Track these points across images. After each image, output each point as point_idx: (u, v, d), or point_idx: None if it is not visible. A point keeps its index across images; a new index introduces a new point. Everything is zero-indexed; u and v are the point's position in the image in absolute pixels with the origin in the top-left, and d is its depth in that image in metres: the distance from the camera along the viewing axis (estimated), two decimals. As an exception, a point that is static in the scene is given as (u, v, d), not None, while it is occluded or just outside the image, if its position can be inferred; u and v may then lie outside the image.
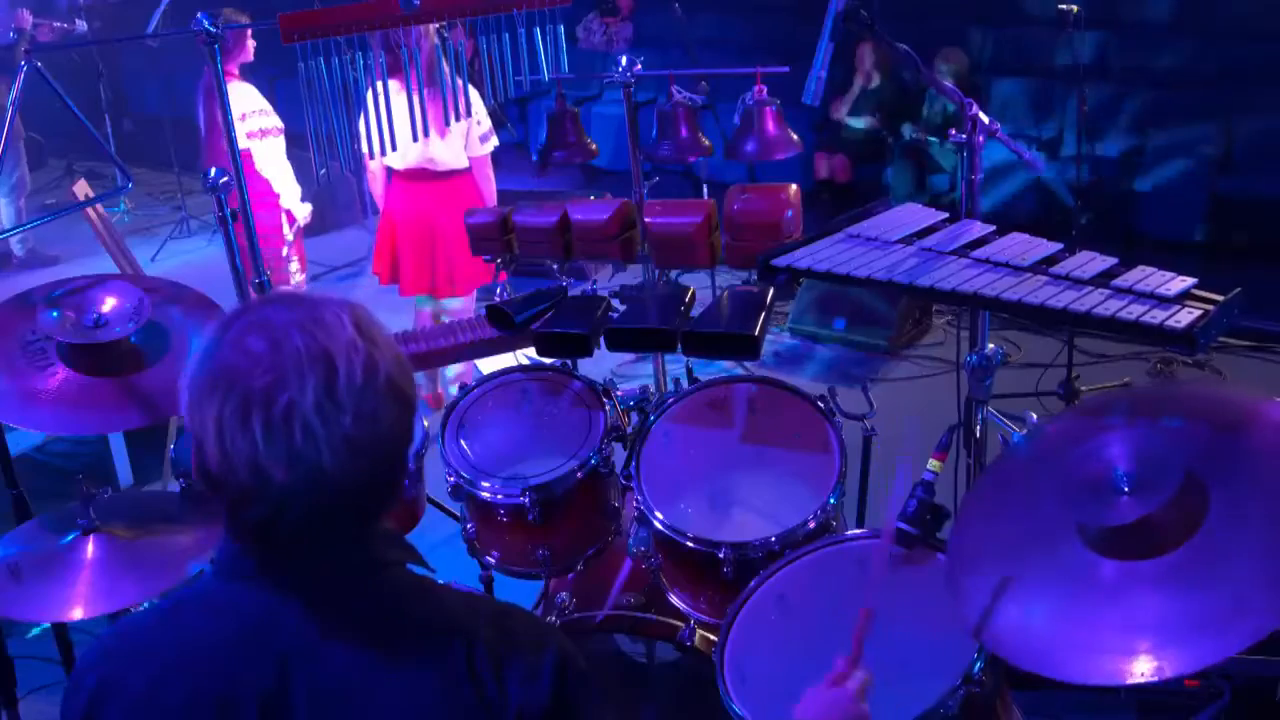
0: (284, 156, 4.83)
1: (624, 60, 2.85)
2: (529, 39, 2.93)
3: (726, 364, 4.65)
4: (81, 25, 8.02)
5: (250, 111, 4.71)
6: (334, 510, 1.13)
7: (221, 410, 1.09)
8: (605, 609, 2.51)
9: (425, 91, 3.14)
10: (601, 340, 2.61)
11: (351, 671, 1.15)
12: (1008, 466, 1.78)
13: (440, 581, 1.24)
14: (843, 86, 7.01)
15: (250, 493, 1.11)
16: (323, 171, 3.06)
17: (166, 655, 1.17)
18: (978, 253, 2.10)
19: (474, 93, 4.13)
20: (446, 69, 3.20)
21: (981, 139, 2.25)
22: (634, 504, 2.37)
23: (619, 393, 2.68)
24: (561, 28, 2.97)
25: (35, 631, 3.32)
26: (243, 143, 4.65)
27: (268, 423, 1.08)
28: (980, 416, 2.33)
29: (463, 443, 2.59)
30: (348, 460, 1.10)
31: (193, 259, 7.70)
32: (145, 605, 2.17)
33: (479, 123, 4.50)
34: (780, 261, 2.20)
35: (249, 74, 4.94)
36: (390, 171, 4.62)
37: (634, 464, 2.39)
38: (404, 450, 1.19)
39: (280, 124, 4.82)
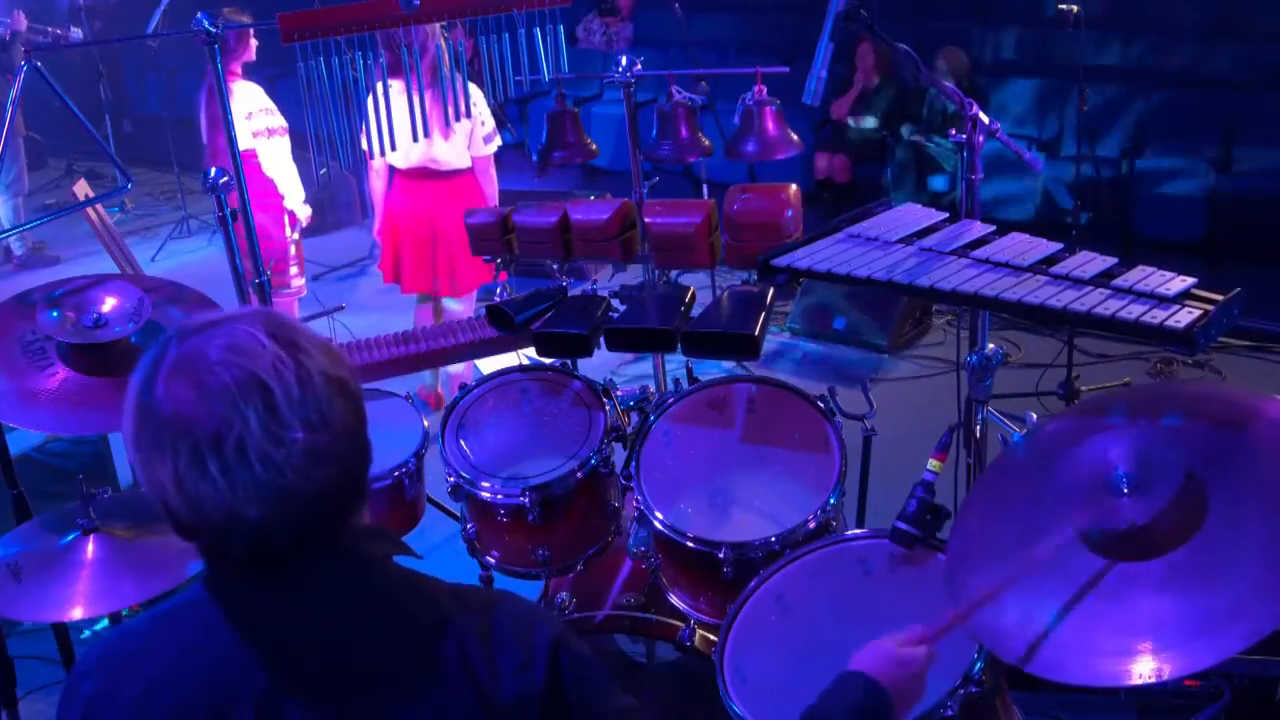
0: (289, 156, 4.83)
1: (624, 60, 2.85)
2: (529, 39, 2.93)
3: (726, 364, 4.65)
4: (76, 34, 8.01)
5: (256, 110, 4.72)
6: (314, 521, 1.13)
7: (176, 466, 1.08)
8: (605, 609, 2.51)
9: (428, 92, 3.14)
10: (601, 340, 2.61)
11: (345, 676, 1.15)
12: (1008, 466, 1.78)
13: (428, 575, 1.24)
14: (843, 86, 7.01)
15: (228, 534, 1.11)
16: (323, 171, 3.06)
17: (161, 662, 1.16)
18: (978, 253, 2.10)
19: (478, 93, 4.13)
20: (448, 69, 3.20)
21: (981, 139, 2.25)
22: (634, 504, 2.37)
23: (619, 393, 2.68)
24: (561, 28, 2.97)
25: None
26: (248, 142, 4.66)
27: (225, 466, 1.07)
28: (980, 416, 2.33)
29: (463, 443, 2.59)
30: (313, 470, 1.10)
31: (193, 259, 7.70)
32: (141, 610, 2.17)
33: (483, 123, 4.50)
34: (780, 261, 2.20)
35: (250, 73, 4.94)
36: (392, 171, 4.62)
37: (634, 464, 2.39)
38: (363, 436, 1.17)
39: (285, 124, 4.82)
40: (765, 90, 2.74)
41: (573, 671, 1.20)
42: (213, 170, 2.63)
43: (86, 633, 3.22)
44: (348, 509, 1.17)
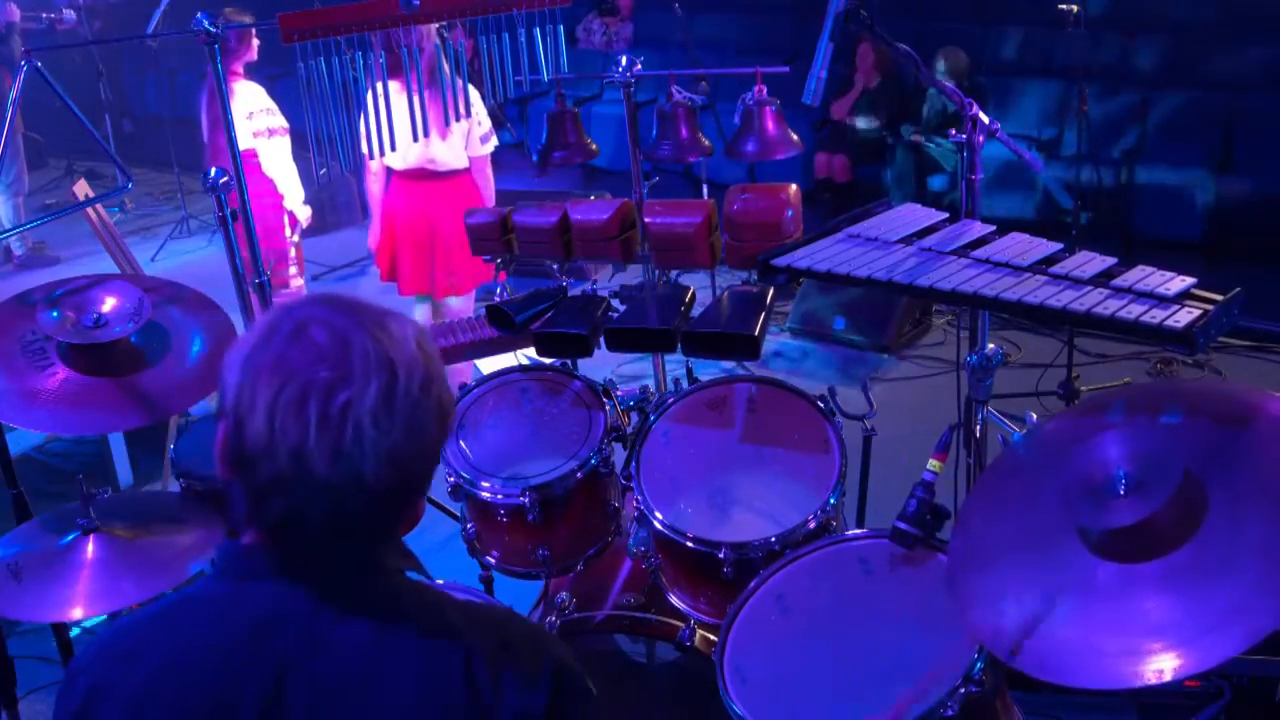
0: (290, 157, 4.83)
1: (624, 60, 2.85)
2: (529, 39, 2.93)
3: (726, 364, 4.65)
4: (70, 15, 8.00)
5: (257, 110, 4.72)
6: (357, 516, 1.14)
7: (278, 393, 1.09)
8: (605, 609, 2.51)
9: (426, 92, 3.14)
10: (601, 340, 2.61)
11: (350, 678, 1.15)
12: (1008, 466, 1.78)
13: (439, 588, 1.25)
14: (843, 86, 7.01)
15: (283, 481, 1.11)
16: (323, 171, 3.06)
17: (162, 656, 1.16)
18: (978, 253, 2.10)
19: (474, 93, 4.13)
20: (447, 69, 3.19)
21: (981, 139, 2.25)
22: (634, 504, 2.37)
23: (619, 393, 2.68)
24: (561, 28, 2.97)
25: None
26: (249, 142, 4.66)
27: (324, 415, 1.09)
28: (980, 416, 2.33)
29: (462, 443, 2.59)
30: (387, 470, 1.12)
31: (193, 259, 7.70)
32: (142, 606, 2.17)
33: (480, 123, 4.50)
34: (780, 261, 2.20)
35: (251, 73, 4.94)
36: (390, 171, 4.62)
37: (634, 464, 2.39)
38: (434, 468, 1.20)
39: (286, 124, 4.82)
40: (765, 90, 2.74)
41: (573, 700, 1.21)
42: (213, 170, 2.63)
43: (76, 630, 3.22)
44: (386, 523, 1.19)
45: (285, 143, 4.80)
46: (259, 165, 4.74)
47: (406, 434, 1.12)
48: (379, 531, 1.19)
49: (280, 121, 4.80)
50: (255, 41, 4.87)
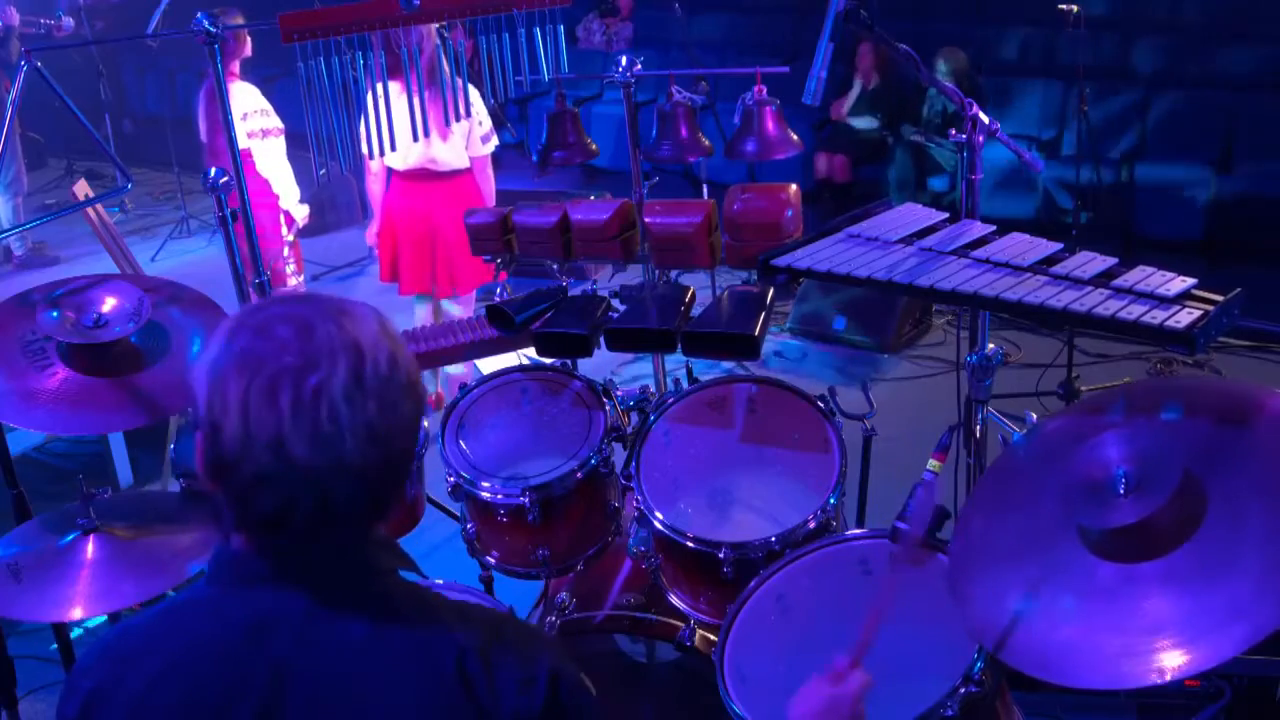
0: (284, 157, 4.83)
1: (624, 60, 2.85)
2: (529, 39, 2.93)
3: (726, 364, 4.65)
4: (69, 22, 8.00)
5: (251, 111, 4.72)
6: (344, 502, 1.13)
7: (248, 387, 1.09)
8: (605, 609, 2.51)
9: (426, 93, 3.14)
10: (601, 340, 2.61)
11: (346, 680, 1.15)
12: (1008, 466, 1.78)
13: (434, 587, 1.25)
14: (843, 86, 7.01)
15: (266, 476, 1.10)
16: (322, 172, 3.05)
17: (163, 659, 1.16)
18: (978, 253, 2.10)
19: (474, 93, 4.13)
20: (447, 69, 3.19)
21: (981, 139, 2.25)
22: (634, 504, 2.37)
23: (619, 393, 2.68)
24: (561, 28, 2.97)
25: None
26: (243, 143, 4.66)
27: (296, 401, 1.09)
28: (980, 416, 2.33)
29: (462, 443, 2.59)
30: (368, 448, 1.12)
31: (193, 259, 7.70)
32: (142, 608, 2.17)
33: (480, 123, 4.50)
34: (780, 261, 2.19)
35: (247, 73, 4.94)
36: (391, 171, 4.62)
37: (634, 464, 2.39)
38: (414, 447, 1.21)
39: (281, 125, 4.82)
40: (765, 90, 2.74)
41: (570, 695, 1.21)
42: (213, 170, 2.63)
43: (78, 630, 3.23)
44: (374, 508, 1.18)
45: (280, 143, 4.81)
46: (253, 166, 4.74)
47: (380, 409, 1.12)
48: (368, 523, 1.18)
49: (275, 122, 4.80)
50: (249, 39, 4.88)
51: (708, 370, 4.20)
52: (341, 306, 1.16)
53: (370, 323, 1.16)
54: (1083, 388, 4.55)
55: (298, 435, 1.09)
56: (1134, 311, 1.83)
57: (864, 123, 6.93)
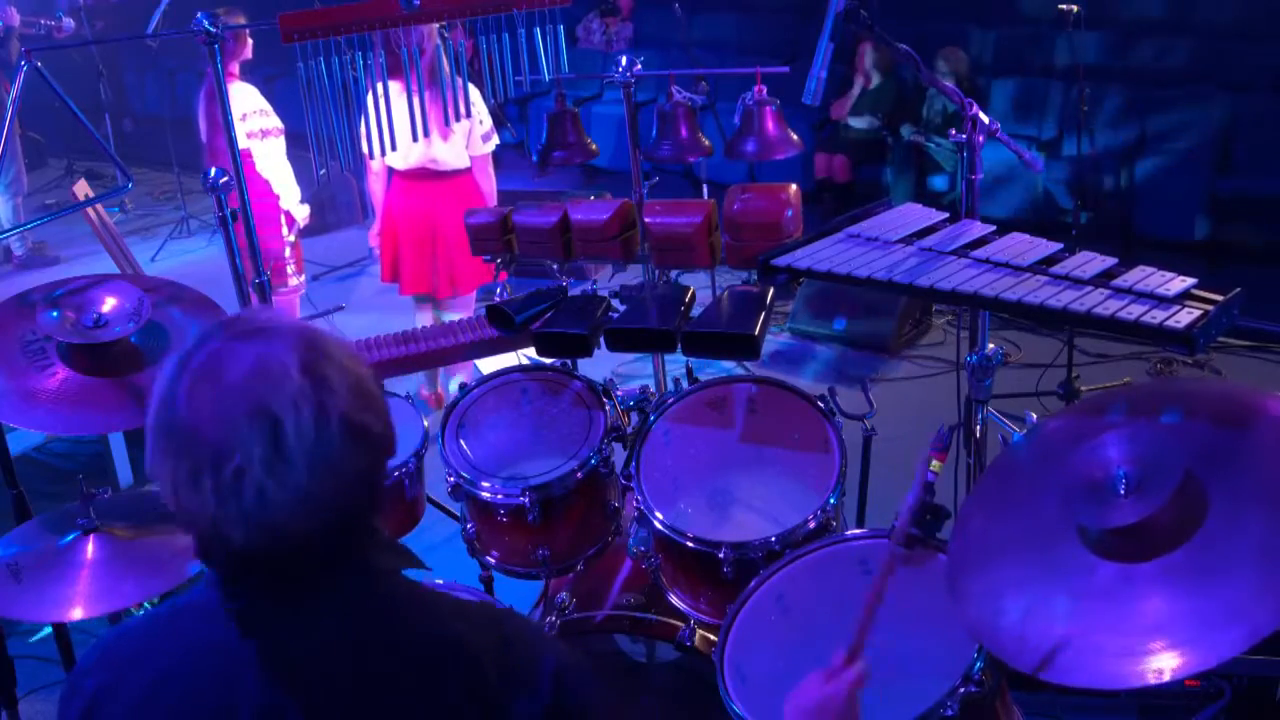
0: (284, 157, 4.83)
1: (624, 60, 2.85)
2: (529, 39, 2.93)
3: (726, 364, 4.65)
4: (69, 23, 8.00)
5: (250, 111, 4.72)
6: (300, 552, 1.12)
7: (175, 471, 1.09)
8: (605, 609, 2.51)
9: (426, 93, 3.13)
10: (601, 340, 2.61)
11: (348, 683, 1.15)
12: (1008, 466, 1.78)
13: (436, 586, 1.24)
14: (843, 86, 7.01)
15: (212, 545, 1.12)
16: (323, 172, 3.05)
17: (165, 661, 1.17)
18: (978, 253, 2.10)
19: (475, 92, 4.13)
20: (447, 69, 3.19)
21: (981, 139, 2.25)
22: (634, 504, 2.37)
23: (619, 393, 2.68)
24: (561, 28, 2.97)
25: (37, 637, 3.32)
26: (243, 143, 4.66)
27: (218, 488, 1.07)
28: (980, 416, 2.33)
29: (462, 443, 2.59)
30: (308, 516, 1.10)
31: (193, 259, 7.71)
32: (145, 608, 2.17)
33: (481, 122, 4.50)
34: (780, 261, 2.20)
35: (247, 73, 4.94)
36: (392, 171, 4.62)
37: (634, 464, 2.39)
38: (376, 482, 1.17)
39: (280, 125, 4.82)
40: (765, 90, 2.73)
41: (575, 693, 1.21)
42: (212, 170, 2.63)
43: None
44: (346, 541, 1.16)
45: (280, 143, 4.80)
46: (253, 166, 4.74)
47: (313, 474, 1.08)
48: (348, 540, 1.16)
49: (274, 122, 4.80)
50: (249, 41, 4.87)
51: (708, 370, 4.20)
52: (260, 361, 1.08)
53: (289, 378, 1.08)
54: (1083, 388, 4.55)
55: (228, 518, 1.08)
56: (1134, 311, 1.83)
57: (864, 123, 6.93)
